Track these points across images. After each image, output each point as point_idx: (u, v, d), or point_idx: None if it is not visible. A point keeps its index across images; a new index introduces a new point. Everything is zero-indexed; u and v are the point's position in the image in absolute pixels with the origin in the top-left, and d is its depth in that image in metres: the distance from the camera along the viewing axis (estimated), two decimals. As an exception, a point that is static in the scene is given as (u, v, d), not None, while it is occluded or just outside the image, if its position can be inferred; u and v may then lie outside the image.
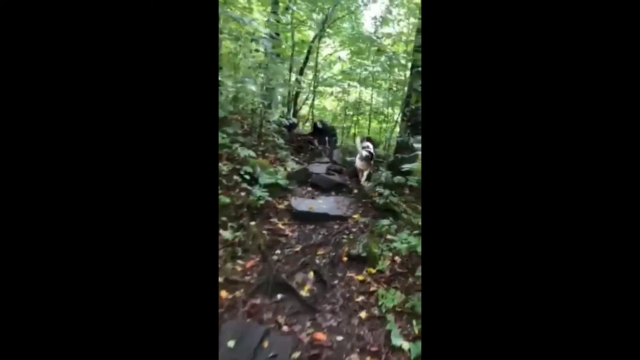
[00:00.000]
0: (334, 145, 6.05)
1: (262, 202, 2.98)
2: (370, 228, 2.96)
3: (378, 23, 8.97)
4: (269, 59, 4.18)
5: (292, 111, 9.49)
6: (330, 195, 3.77)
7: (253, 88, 3.24)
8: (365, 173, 4.16)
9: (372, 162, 4.18)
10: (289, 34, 10.09)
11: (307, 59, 9.46)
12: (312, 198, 3.57)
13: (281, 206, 3.24)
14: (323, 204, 3.38)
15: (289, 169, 4.04)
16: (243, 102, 4.60)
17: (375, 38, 7.85)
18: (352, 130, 10.09)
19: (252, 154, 3.24)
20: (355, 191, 3.91)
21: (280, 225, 2.92)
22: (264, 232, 2.77)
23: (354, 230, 3.01)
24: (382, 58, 7.12)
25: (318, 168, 4.44)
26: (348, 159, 5.07)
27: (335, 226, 3.06)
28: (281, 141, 4.93)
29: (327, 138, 6.14)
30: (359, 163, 4.19)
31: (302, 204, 3.26)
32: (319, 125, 6.36)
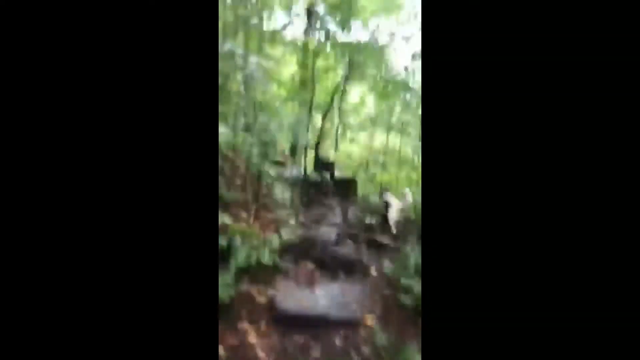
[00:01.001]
0: (349, 199, 5.26)
1: (229, 296, 2.01)
2: (390, 355, 1.87)
3: (410, 70, 8.36)
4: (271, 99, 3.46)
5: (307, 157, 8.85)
6: (338, 278, 2.74)
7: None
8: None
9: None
10: (322, 81, 9.82)
11: (331, 102, 8.97)
12: (311, 285, 2.55)
13: (262, 299, 2.25)
14: (324, 295, 2.35)
15: (287, 236, 3.10)
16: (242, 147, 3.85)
17: (404, 82, 7.27)
18: (378, 178, 9.20)
19: (227, 220, 2.36)
20: (374, 273, 2.85)
21: (250, 338, 1.91)
22: (220, 350, 1.77)
23: (364, 350, 1.93)
24: (409, 97, 6.43)
25: (327, 232, 3.46)
26: (367, 221, 4.06)
27: (337, 340, 2.00)
28: (287, 195, 4.06)
29: (326, 172, 5.71)
30: (393, 214, 4.07)
31: (292, 297, 2.25)
32: (319, 160, 6.21)
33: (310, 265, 2.86)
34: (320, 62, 8.15)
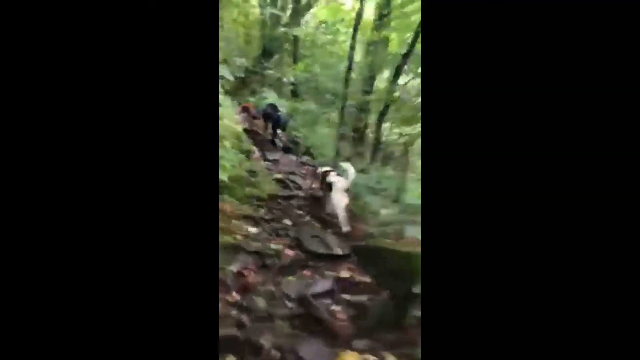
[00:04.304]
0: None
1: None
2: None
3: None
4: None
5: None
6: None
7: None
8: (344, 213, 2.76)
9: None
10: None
11: (411, 48, 6.91)
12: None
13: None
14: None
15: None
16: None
17: None
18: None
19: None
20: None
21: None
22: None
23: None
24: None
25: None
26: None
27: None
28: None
29: (276, 122, 5.43)
30: (335, 197, 2.82)
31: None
32: (269, 110, 5.47)
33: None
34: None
